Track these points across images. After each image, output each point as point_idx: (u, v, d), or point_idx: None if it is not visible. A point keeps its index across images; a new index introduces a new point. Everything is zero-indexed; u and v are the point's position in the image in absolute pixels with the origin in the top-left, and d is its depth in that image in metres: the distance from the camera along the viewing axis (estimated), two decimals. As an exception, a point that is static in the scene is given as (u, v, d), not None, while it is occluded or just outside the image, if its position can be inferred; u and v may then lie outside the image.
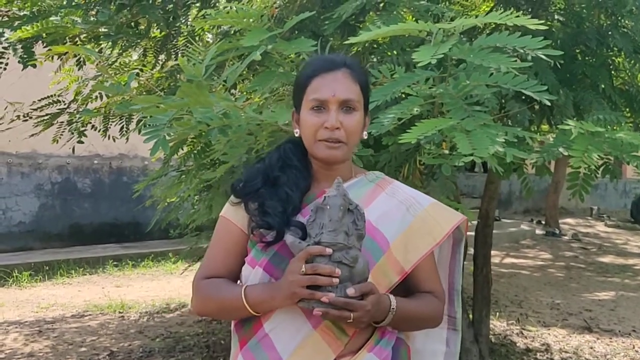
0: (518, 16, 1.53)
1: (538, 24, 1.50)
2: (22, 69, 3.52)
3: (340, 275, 1.31)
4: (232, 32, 2.94)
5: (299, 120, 1.54)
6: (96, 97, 4.47)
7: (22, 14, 3.40)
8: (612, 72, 3.34)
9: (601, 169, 2.47)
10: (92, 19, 3.34)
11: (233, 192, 1.56)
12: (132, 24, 3.70)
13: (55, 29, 3.18)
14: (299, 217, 1.47)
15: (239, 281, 1.55)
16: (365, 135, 1.57)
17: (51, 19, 3.20)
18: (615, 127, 2.47)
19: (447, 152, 1.92)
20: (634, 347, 5.13)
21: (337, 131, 1.46)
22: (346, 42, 1.93)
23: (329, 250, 1.31)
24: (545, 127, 3.48)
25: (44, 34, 3.27)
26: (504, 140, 1.59)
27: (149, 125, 1.82)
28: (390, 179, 1.65)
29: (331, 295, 1.30)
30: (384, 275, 1.45)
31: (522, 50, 1.59)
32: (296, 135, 1.56)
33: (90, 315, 5.83)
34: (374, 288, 1.37)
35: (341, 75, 1.49)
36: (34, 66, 3.53)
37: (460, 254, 1.67)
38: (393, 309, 1.42)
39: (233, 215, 1.55)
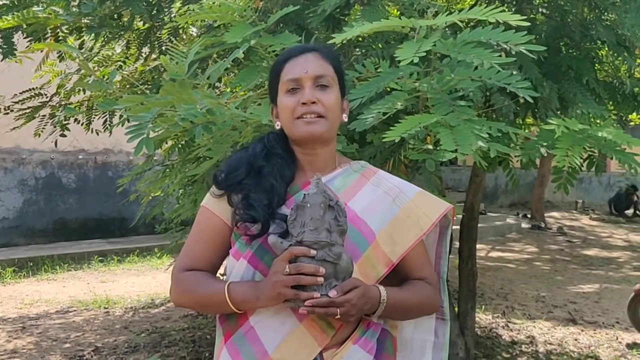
0: (503, 11, 1.52)
1: (519, 20, 1.49)
2: (2, 59, 3.46)
3: (325, 273, 1.30)
4: (217, 25, 2.91)
5: (277, 113, 1.53)
6: (79, 90, 4.42)
7: (1, 3, 3.34)
8: (596, 64, 3.35)
9: (586, 162, 2.49)
10: (74, 9, 3.29)
11: (215, 184, 1.53)
12: (115, 15, 3.65)
13: (36, 19, 3.12)
14: (283, 209, 1.45)
15: (220, 273, 1.54)
16: (345, 118, 1.56)
17: (33, 9, 3.14)
18: (599, 122, 2.48)
19: (431, 147, 1.92)
20: (617, 339, 5.18)
21: (314, 105, 1.45)
22: (329, 41, 1.91)
23: (313, 252, 1.31)
24: (530, 120, 3.50)
25: (24, 25, 3.21)
26: (487, 136, 1.59)
27: (132, 122, 1.80)
28: (375, 169, 1.63)
29: (316, 295, 1.30)
30: (371, 267, 1.45)
31: (505, 46, 1.59)
32: (277, 128, 1.54)
33: (74, 311, 5.78)
34: (358, 282, 1.36)
35: (312, 56, 1.49)
36: (14, 55, 3.47)
37: (447, 241, 1.66)
38: (383, 300, 1.41)
39: (215, 207, 1.52)
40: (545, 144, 1.84)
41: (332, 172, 1.53)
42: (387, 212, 1.50)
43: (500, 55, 1.61)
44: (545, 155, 1.81)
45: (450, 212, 1.59)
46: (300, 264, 1.31)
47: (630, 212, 15.71)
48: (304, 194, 1.36)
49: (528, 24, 1.52)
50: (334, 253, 1.32)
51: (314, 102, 1.44)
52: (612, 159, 1.69)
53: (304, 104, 1.44)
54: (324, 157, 1.53)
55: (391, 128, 1.64)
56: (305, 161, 1.53)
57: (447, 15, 1.62)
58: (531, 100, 1.70)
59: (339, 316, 1.32)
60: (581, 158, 1.67)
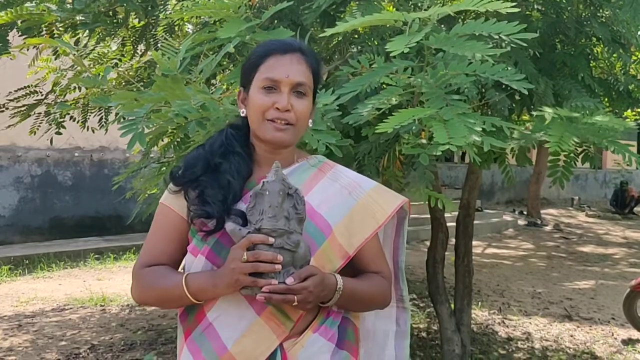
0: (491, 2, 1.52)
1: (510, 7, 1.49)
2: (-3, 58, 3.46)
3: (283, 261, 1.30)
4: (212, 21, 2.90)
5: (245, 99, 1.52)
6: (74, 88, 4.40)
7: None
8: (591, 61, 3.36)
9: (581, 156, 2.49)
10: (68, 6, 3.28)
11: (172, 180, 1.52)
12: (110, 12, 3.64)
13: (30, 16, 3.10)
14: (240, 204, 1.45)
15: (181, 269, 1.53)
16: (311, 123, 1.56)
17: (26, 5, 3.12)
18: (592, 113, 2.49)
19: (425, 141, 1.92)
20: (612, 335, 5.20)
21: (287, 113, 1.45)
22: (322, 34, 1.91)
23: (271, 240, 1.31)
24: (525, 116, 3.50)
25: (18, 22, 3.20)
26: (481, 129, 1.59)
27: (126, 118, 1.80)
28: (333, 163, 1.64)
29: (273, 282, 1.30)
30: (328, 260, 1.45)
31: (497, 37, 1.59)
32: (242, 115, 1.54)
33: (71, 308, 5.78)
34: (315, 270, 1.36)
35: (296, 58, 1.48)
36: (8, 53, 3.45)
37: (404, 232, 1.69)
38: (340, 288, 1.42)
39: (172, 203, 1.52)
40: (540, 132, 1.84)
41: (289, 167, 1.53)
42: (344, 205, 1.51)
43: (493, 47, 1.61)
44: (540, 143, 1.82)
45: (406, 205, 1.61)
46: (258, 251, 1.31)
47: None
48: (263, 182, 1.36)
49: (518, 9, 1.52)
50: (292, 241, 1.32)
51: (287, 110, 1.44)
52: (606, 149, 1.70)
53: (277, 108, 1.44)
54: (284, 155, 1.53)
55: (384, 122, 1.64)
56: (264, 157, 1.53)
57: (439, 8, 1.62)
58: (526, 92, 1.70)
59: (296, 303, 1.32)
60: (575, 154, 1.67)
